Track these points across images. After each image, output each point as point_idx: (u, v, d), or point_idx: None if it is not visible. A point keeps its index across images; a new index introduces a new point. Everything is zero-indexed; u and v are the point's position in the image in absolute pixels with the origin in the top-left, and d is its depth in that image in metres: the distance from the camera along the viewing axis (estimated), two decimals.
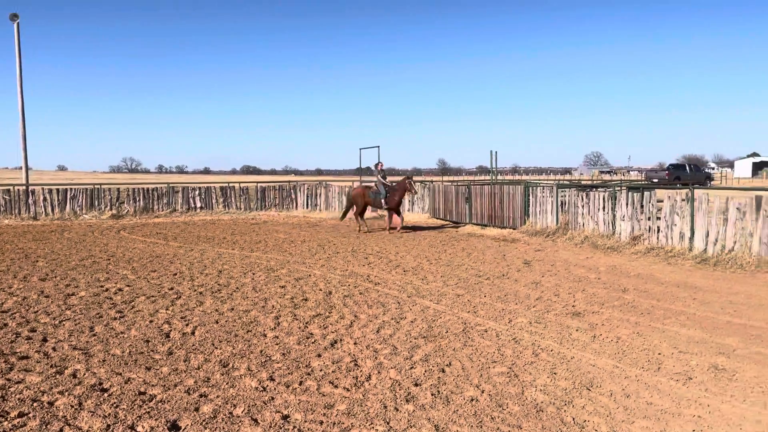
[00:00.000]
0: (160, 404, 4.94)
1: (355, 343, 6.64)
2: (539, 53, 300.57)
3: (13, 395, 5.10)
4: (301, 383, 5.42)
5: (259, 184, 28.63)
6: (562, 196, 16.78)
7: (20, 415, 4.70)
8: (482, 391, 5.22)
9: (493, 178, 28.14)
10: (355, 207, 19.40)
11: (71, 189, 24.55)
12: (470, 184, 21.28)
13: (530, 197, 17.78)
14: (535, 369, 5.80)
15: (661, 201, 13.62)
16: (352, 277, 10.66)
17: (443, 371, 5.74)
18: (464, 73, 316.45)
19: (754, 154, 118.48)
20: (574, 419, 4.65)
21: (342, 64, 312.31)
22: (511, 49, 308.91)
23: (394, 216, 19.62)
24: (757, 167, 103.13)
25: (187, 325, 7.41)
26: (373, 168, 20.38)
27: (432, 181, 30.72)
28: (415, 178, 25.99)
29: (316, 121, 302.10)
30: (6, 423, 4.53)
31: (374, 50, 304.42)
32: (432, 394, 5.15)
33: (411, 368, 5.83)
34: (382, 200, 18.98)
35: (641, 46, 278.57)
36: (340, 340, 6.78)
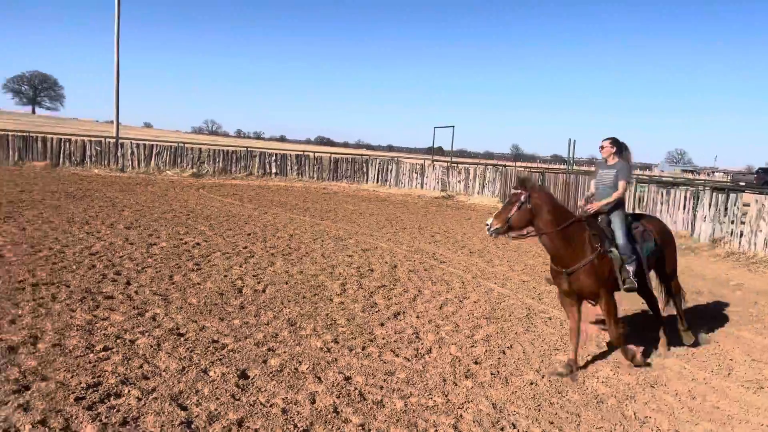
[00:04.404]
0: (231, 353, 5.22)
1: (417, 317, 6.75)
2: (623, 43, 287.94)
3: (98, 331, 5.51)
4: (363, 348, 5.58)
5: (332, 155, 29.07)
6: (640, 192, 16.21)
7: (105, 349, 5.08)
8: (542, 376, 5.22)
9: (570, 167, 27.43)
10: None
11: (157, 146, 25.74)
12: (544, 172, 20.87)
13: None
14: (598, 361, 5.73)
15: (747, 205, 12.94)
16: (417, 254, 10.75)
17: (504, 353, 5.77)
18: (544, 59, 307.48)
19: None
20: (635, 414, 4.59)
21: (419, 40, 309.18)
22: (593, 38, 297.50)
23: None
24: None
25: (258, 282, 7.72)
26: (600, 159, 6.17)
27: (505, 166, 30.28)
28: (486, 162, 24.31)
29: (391, 98, 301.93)
30: (92, 355, 4.91)
31: (453, 29, 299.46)
32: (491, 374, 5.20)
33: (472, 347, 5.88)
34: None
35: (737, 47, 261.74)
36: (403, 312, 6.90)
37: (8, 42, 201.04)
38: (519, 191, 5.29)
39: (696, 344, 6.31)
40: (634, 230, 5.78)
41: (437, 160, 30.10)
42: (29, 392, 4.13)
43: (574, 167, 31.28)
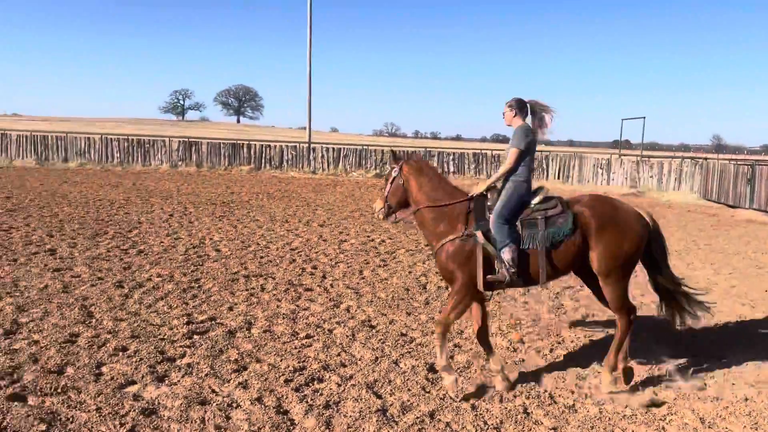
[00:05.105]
0: (419, 347, 5.40)
1: (608, 320, 6.38)
2: None
3: (301, 319, 6.03)
4: (551, 350, 5.44)
5: None
6: None
7: (307, 336, 5.55)
8: (758, 392, 4.66)
9: None
10: None
11: (343, 149, 27.43)
12: (754, 164, 18.53)
13: None
14: None
15: None
16: None
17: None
18: (751, 30, 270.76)
19: None
20: None
21: (598, 25, 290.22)
22: None
23: None
24: None
25: (441, 279, 7.85)
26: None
27: (705, 159, 27.47)
28: (682, 155, 21.96)
29: (571, 89, 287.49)
30: (297, 342, 5.40)
31: (645, 7, 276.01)
32: (698, 387, 4.76)
33: None
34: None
35: None
36: (593, 315, 6.60)
37: (218, 59, 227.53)
38: (393, 166, 4.92)
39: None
40: (536, 212, 4.46)
41: (624, 155, 28.16)
42: (246, 372, 4.66)
43: None
